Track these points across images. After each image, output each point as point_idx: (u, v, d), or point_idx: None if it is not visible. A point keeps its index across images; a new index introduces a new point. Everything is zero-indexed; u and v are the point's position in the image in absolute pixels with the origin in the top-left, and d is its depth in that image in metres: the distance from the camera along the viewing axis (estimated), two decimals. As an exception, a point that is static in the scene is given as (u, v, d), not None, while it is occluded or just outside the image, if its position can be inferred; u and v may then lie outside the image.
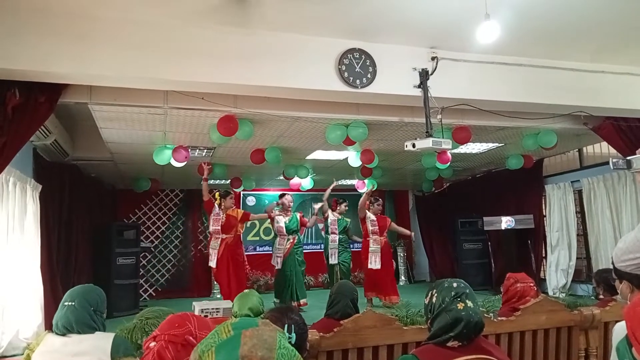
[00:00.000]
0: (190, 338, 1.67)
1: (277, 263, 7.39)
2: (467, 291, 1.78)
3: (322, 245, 8.75)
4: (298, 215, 7.79)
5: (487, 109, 4.92)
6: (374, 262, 7.29)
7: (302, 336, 2.02)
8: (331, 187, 7.88)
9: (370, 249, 7.35)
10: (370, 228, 7.43)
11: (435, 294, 1.81)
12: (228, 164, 7.77)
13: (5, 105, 3.70)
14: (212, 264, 6.57)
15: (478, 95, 4.67)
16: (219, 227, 6.63)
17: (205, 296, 9.54)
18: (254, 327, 1.33)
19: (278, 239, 7.56)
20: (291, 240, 7.51)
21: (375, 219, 7.51)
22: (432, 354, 1.70)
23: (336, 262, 7.77)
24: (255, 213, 10.63)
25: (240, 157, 7.18)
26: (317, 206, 8.38)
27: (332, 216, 8.01)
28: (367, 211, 7.47)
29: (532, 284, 3.16)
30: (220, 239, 6.64)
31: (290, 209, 7.66)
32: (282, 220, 7.52)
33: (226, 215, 6.71)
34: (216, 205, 6.63)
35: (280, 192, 8.10)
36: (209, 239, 7.01)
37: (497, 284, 8.28)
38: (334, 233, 7.89)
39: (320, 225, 9.67)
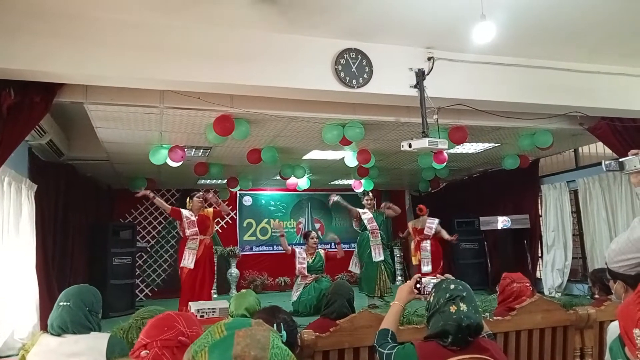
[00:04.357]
0: (183, 339, 1.66)
1: (294, 297, 7.19)
2: (464, 294, 1.78)
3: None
4: (322, 252, 7.50)
5: (483, 109, 4.93)
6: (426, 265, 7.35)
7: (292, 333, 2.05)
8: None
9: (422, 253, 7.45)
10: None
11: (434, 294, 1.85)
12: (224, 163, 7.76)
13: (0, 105, 3.69)
14: (189, 264, 6.46)
15: (474, 96, 4.68)
16: (197, 229, 6.61)
17: (202, 296, 9.53)
18: (247, 327, 1.33)
19: (299, 278, 7.28)
20: (313, 277, 7.22)
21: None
22: (430, 349, 1.74)
23: (381, 258, 7.22)
24: (252, 215, 10.76)
25: (237, 157, 7.18)
26: (334, 198, 7.59)
27: (367, 214, 7.44)
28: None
29: (528, 284, 3.17)
30: (198, 240, 6.59)
31: (315, 246, 7.44)
32: (304, 260, 7.22)
33: (198, 216, 6.68)
34: (183, 211, 6.61)
35: (306, 232, 7.81)
36: (181, 242, 6.81)
37: (493, 284, 8.28)
38: (374, 230, 7.35)
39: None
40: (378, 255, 7.20)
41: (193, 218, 6.62)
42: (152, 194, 6.53)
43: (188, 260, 6.46)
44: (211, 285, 6.97)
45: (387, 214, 7.74)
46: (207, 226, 6.76)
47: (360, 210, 7.50)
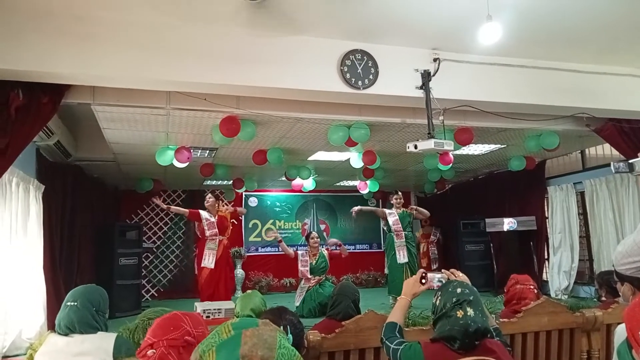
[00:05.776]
0: (189, 338, 1.67)
1: (297, 301, 7.11)
2: (471, 298, 1.77)
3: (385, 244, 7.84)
4: (325, 252, 7.38)
5: (489, 110, 4.92)
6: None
7: (299, 335, 2.05)
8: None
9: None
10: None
11: (440, 297, 1.83)
12: (230, 164, 7.78)
13: (9, 106, 3.71)
14: (210, 264, 6.59)
15: (480, 97, 4.67)
16: (216, 230, 6.74)
17: (207, 297, 9.55)
18: (254, 327, 1.34)
19: (303, 281, 7.17)
20: (316, 279, 7.13)
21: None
22: (437, 350, 1.74)
23: (405, 260, 7.05)
24: (258, 216, 10.79)
25: (243, 158, 7.19)
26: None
27: (393, 214, 7.28)
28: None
29: (532, 287, 3.16)
30: (217, 241, 6.74)
31: (317, 247, 7.33)
32: (307, 262, 7.12)
33: (218, 217, 6.86)
34: (202, 212, 6.78)
35: (307, 233, 7.84)
36: (198, 242, 6.96)
37: (499, 286, 8.26)
38: (399, 231, 7.19)
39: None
40: (402, 257, 7.09)
41: (212, 219, 6.80)
42: (166, 206, 6.83)
43: (208, 261, 6.57)
44: (232, 285, 7.07)
45: (416, 216, 7.60)
46: (225, 227, 6.93)
47: (386, 211, 7.39)
